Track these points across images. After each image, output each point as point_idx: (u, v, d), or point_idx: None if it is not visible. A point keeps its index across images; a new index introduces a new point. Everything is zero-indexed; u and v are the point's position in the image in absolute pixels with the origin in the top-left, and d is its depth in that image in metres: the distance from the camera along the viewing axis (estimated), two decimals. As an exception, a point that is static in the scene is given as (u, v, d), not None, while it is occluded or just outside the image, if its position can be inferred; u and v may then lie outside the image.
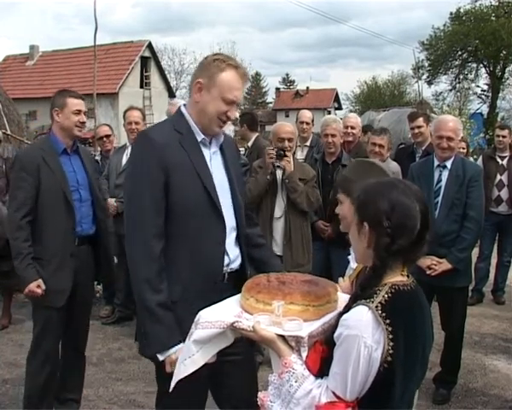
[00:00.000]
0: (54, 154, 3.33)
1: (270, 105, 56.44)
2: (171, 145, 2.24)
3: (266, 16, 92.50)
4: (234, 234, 2.38)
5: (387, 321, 1.49)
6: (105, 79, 28.84)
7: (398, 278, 1.61)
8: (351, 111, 37.72)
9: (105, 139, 5.98)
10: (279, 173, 4.27)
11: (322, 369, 1.58)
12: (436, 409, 3.92)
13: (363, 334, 1.48)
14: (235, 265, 2.38)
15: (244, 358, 2.35)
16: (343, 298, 1.79)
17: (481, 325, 5.63)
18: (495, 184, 6.23)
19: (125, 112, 5.47)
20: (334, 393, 1.52)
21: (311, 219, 4.50)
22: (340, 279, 2.17)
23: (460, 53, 32.62)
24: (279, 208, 4.25)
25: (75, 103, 3.35)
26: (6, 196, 4.79)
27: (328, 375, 1.55)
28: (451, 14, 32.10)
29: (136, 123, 5.29)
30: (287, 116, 45.00)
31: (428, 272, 3.74)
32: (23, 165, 3.28)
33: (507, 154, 6.32)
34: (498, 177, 6.26)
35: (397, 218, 1.55)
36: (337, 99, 52.89)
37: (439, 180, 3.90)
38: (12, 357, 4.64)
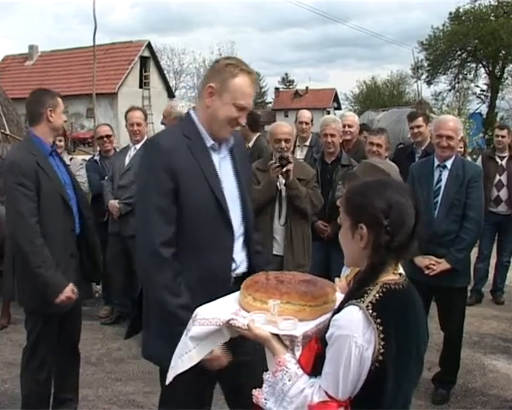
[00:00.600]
0: (43, 156, 3.25)
1: (270, 105, 56.45)
2: (178, 150, 2.20)
3: (265, 16, 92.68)
4: (241, 239, 2.37)
5: (378, 320, 1.50)
6: (104, 79, 28.88)
7: (389, 276, 1.62)
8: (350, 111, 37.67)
9: (105, 139, 5.91)
10: (280, 176, 4.22)
11: (316, 367, 1.59)
12: (435, 409, 3.92)
13: (354, 334, 1.49)
14: (242, 269, 2.36)
15: (255, 358, 2.36)
16: (341, 299, 1.80)
17: (480, 325, 5.63)
18: (494, 185, 6.22)
19: (127, 113, 5.42)
20: (326, 392, 1.53)
21: (310, 220, 4.50)
22: (337, 279, 2.18)
23: (459, 53, 32.63)
24: (280, 209, 4.23)
25: (62, 102, 3.34)
26: (4, 196, 4.76)
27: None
28: (451, 13, 32.12)
29: (138, 124, 5.27)
30: (286, 116, 45.03)
31: (427, 271, 3.74)
32: (23, 171, 3.13)
33: (506, 154, 6.31)
34: (497, 177, 6.24)
35: (395, 215, 1.57)
36: (336, 99, 52.95)
37: (439, 180, 3.90)
38: (11, 357, 4.63)
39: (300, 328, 1.66)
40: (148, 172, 2.22)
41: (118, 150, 5.91)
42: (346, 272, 2.22)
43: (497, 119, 28.61)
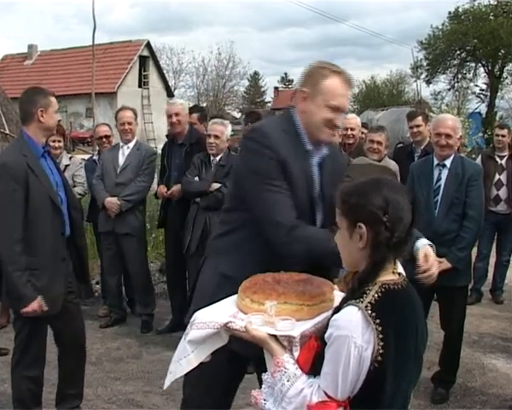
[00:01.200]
0: (35, 158, 3.18)
1: (269, 104, 56.42)
2: (283, 142, 2.23)
3: (265, 16, 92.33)
4: None
5: (377, 321, 1.51)
6: (103, 79, 28.87)
7: (389, 276, 1.62)
8: (349, 111, 37.64)
9: (104, 140, 5.88)
10: None
11: (315, 366, 1.59)
12: (435, 409, 3.92)
13: (353, 334, 1.49)
14: None
15: None
16: (340, 297, 1.80)
17: (480, 324, 5.63)
18: (494, 184, 6.22)
19: (117, 113, 5.50)
20: (325, 392, 1.54)
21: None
22: (336, 281, 2.17)
23: (458, 52, 32.58)
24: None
25: (55, 102, 3.28)
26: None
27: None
28: (450, 13, 32.06)
29: (129, 123, 5.35)
30: (285, 116, 44.87)
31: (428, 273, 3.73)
32: (13, 174, 3.06)
33: (506, 153, 6.31)
34: (497, 176, 6.24)
35: (392, 211, 1.58)
36: (336, 98, 52.81)
37: (439, 179, 3.90)
38: (10, 356, 4.62)
39: (298, 328, 1.66)
40: (259, 158, 2.20)
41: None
42: (344, 273, 2.21)
43: (497, 118, 28.54)
